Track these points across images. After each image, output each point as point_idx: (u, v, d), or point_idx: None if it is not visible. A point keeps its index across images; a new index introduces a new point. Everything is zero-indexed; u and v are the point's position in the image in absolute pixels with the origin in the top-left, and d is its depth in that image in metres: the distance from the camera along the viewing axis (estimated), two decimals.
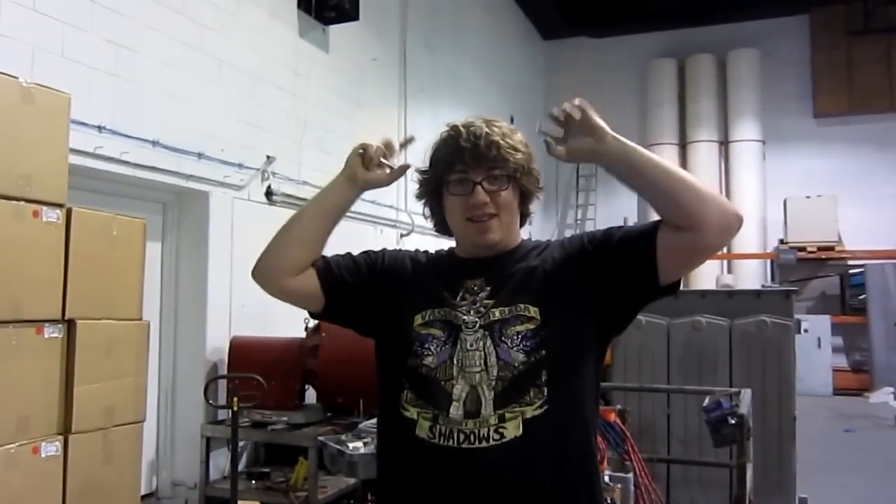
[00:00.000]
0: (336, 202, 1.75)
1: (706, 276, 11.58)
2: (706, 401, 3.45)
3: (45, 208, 2.82)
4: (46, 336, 2.81)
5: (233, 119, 5.54)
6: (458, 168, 1.62)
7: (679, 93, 12.64)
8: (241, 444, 5.06)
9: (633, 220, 12.61)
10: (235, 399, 4.26)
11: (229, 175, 5.43)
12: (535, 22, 12.84)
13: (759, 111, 12.18)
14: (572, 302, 1.59)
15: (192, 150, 5.08)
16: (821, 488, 5.07)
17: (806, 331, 6.66)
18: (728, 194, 12.14)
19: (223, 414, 4.97)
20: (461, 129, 1.63)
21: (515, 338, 1.55)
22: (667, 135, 12.50)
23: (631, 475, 3.13)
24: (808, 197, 11.49)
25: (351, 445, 3.75)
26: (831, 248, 11.45)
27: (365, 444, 3.77)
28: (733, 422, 3.32)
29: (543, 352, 1.54)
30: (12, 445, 2.64)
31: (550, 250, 1.67)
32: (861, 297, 11.12)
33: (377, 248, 1.85)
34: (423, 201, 1.75)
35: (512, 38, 12.03)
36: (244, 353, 5.11)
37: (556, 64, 13.43)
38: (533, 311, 1.57)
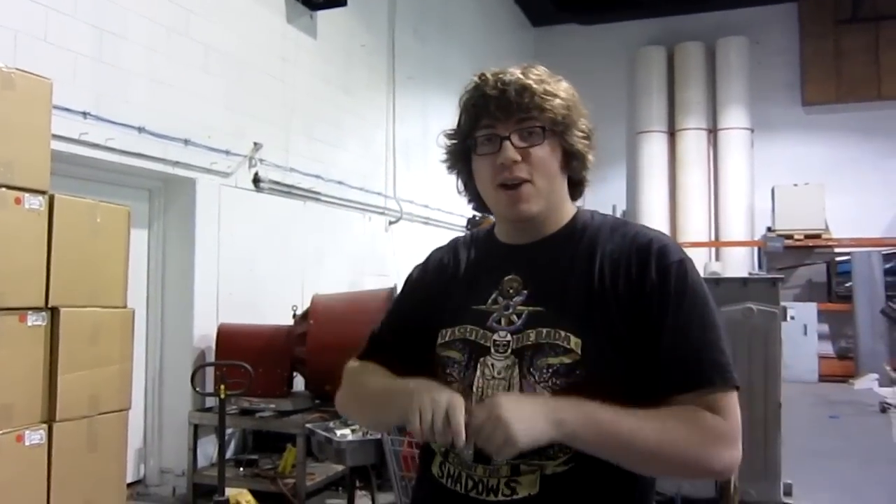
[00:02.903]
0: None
1: (694, 262, 11.62)
2: None
3: (27, 195, 2.79)
4: (30, 324, 2.79)
5: (219, 105, 5.49)
6: (485, 122, 1.32)
7: (668, 80, 12.63)
8: (228, 431, 5.06)
9: (622, 208, 12.65)
10: (223, 387, 4.25)
11: (216, 162, 5.39)
12: (524, 9, 12.79)
13: (747, 99, 12.20)
14: (616, 341, 1.26)
15: (178, 136, 5.04)
16: (806, 474, 5.11)
17: (792, 318, 6.68)
18: (716, 182, 12.19)
19: (211, 401, 4.96)
20: (489, 76, 1.34)
21: (545, 371, 1.25)
22: (655, 122, 12.52)
23: None
24: (795, 185, 11.53)
25: (339, 433, 3.75)
26: (818, 236, 11.51)
27: (353, 431, 3.78)
28: None
29: (575, 396, 1.22)
30: None
31: (613, 249, 1.31)
32: (847, 284, 11.19)
33: (413, 270, 1.56)
34: (454, 172, 1.43)
35: (501, 25, 11.99)
36: (232, 341, 5.09)
37: (546, 51, 13.38)
38: (574, 343, 1.25)
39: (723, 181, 12.13)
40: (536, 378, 1.25)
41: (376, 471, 3.88)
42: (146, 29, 4.83)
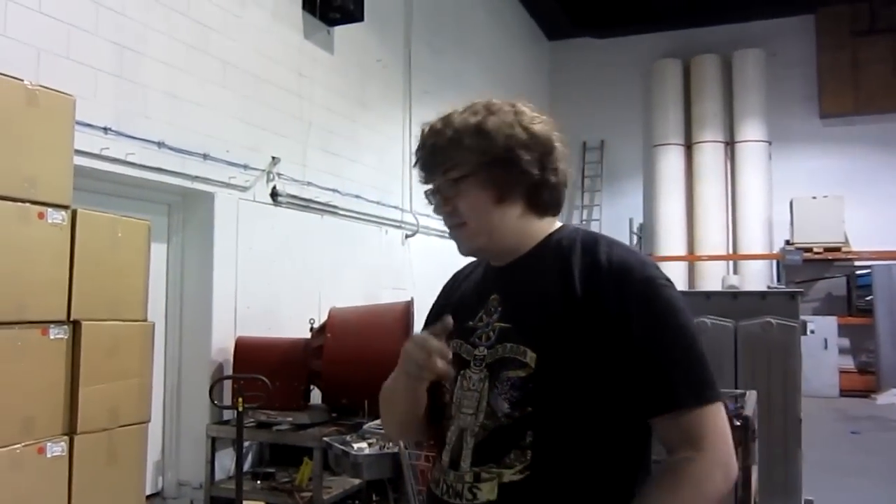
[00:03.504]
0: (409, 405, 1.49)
1: (711, 276, 11.56)
2: None
3: (50, 210, 2.83)
4: (52, 337, 2.82)
5: (237, 120, 5.55)
6: (424, 177, 1.44)
7: (684, 93, 12.61)
8: (246, 444, 5.07)
9: (638, 222, 12.61)
10: (240, 399, 4.27)
11: (234, 176, 5.44)
12: (539, 22, 12.83)
13: (764, 112, 12.15)
14: (572, 356, 1.29)
15: (197, 151, 5.10)
16: (827, 490, 5.05)
17: (812, 332, 6.63)
18: (734, 195, 12.13)
19: (228, 414, 4.98)
20: (423, 130, 1.44)
21: (506, 384, 1.32)
22: (672, 135, 12.48)
23: None
24: (814, 197, 11.45)
25: (356, 446, 3.75)
26: (837, 249, 11.41)
27: (369, 444, 3.78)
28: (738, 423, 3.32)
29: (529, 408, 1.30)
30: (18, 446, 2.65)
31: (582, 269, 1.33)
32: (868, 298, 11.07)
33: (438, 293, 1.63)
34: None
35: (516, 39, 12.03)
36: (249, 354, 5.11)
37: (561, 64, 13.42)
38: (530, 358, 1.31)
39: (740, 194, 12.07)
40: (499, 390, 1.32)
41: (393, 485, 3.87)
42: (165, 45, 4.90)
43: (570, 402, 1.28)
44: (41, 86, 2.89)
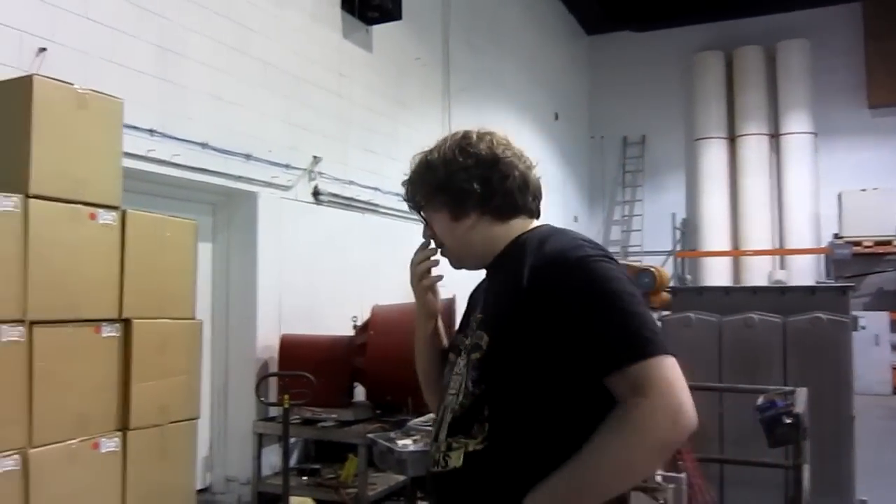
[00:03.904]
0: (426, 344, 1.82)
1: (757, 272, 11.36)
2: (760, 400, 3.38)
3: (100, 211, 2.89)
4: (104, 335, 2.88)
5: (279, 120, 5.61)
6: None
7: (727, 86, 12.40)
8: (291, 440, 5.12)
9: (681, 217, 12.45)
10: (286, 396, 4.31)
11: (277, 175, 5.50)
12: (577, 17, 12.72)
13: (810, 103, 11.89)
14: (518, 339, 1.45)
15: (240, 151, 5.16)
16: (882, 490, 4.93)
17: (863, 328, 6.46)
18: (779, 188, 11.90)
19: (274, 411, 5.04)
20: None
21: (471, 365, 1.52)
22: (714, 129, 12.29)
23: (684, 475, 3.08)
24: (863, 190, 11.17)
25: (400, 443, 3.77)
26: (888, 243, 11.12)
27: (414, 441, 3.79)
28: (789, 421, 3.25)
29: (484, 386, 1.48)
30: (73, 441, 2.71)
31: (533, 260, 1.48)
32: None
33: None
34: None
35: (554, 35, 11.94)
36: (294, 351, 5.17)
37: (600, 59, 13.29)
38: (485, 342, 1.51)
39: (786, 187, 11.83)
40: (469, 372, 1.52)
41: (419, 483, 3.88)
42: (208, 48, 4.97)
43: (516, 378, 1.44)
44: (91, 89, 2.94)
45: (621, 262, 7.93)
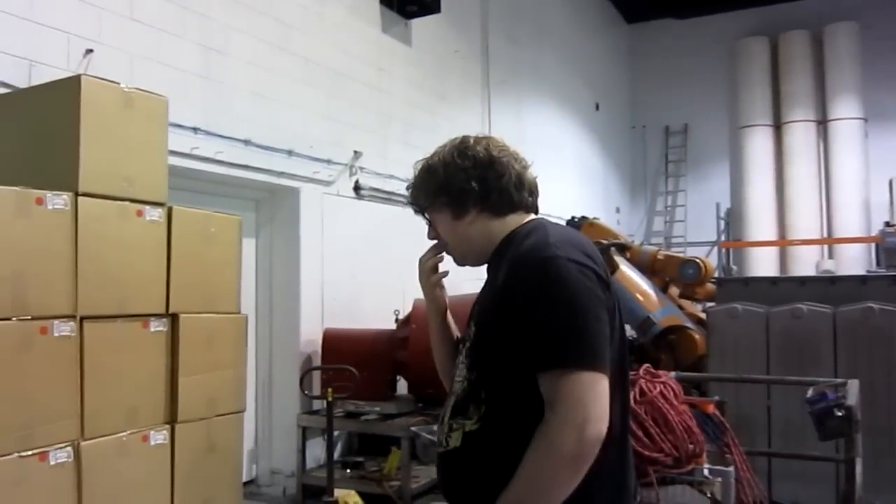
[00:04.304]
0: (439, 338, 1.94)
1: (804, 262, 11.10)
2: (809, 392, 3.31)
3: (147, 207, 2.94)
4: (152, 330, 2.93)
5: (320, 116, 5.65)
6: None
7: (771, 72, 12.10)
8: (335, 433, 5.17)
9: (725, 207, 12.23)
10: (329, 390, 4.35)
11: (318, 171, 5.54)
12: (617, 5, 12.55)
13: (859, 88, 11.55)
14: (498, 331, 1.56)
15: (282, 147, 5.21)
16: None
17: None
18: (827, 176, 11.60)
19: (318, 404, 5.09)
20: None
21: (466, 354, 1.67)
22: (759, 116, 12.01)
23: (731, 468, 3.03)
24: None
25: None
26: None
27: None
28: (840, 414, 3.18)
29: (475, 372, 1.61)
30: (124, 434, 2.77)
31: (510, 258, 1.60)
32: None
33: None
34: None
35: (594, 24, 11.81)
36: (337, 345, 5.21)
37: (641, 48, 13.09)
38: (473, 332, 1.67)
39: (835, 174, 11.52)
40: (466, 359, 1.66)
41: None
42: (249, 46, 5.02)
43: (498, 365, 1.56)
44: (136, 88, 3.00)
45: (664, 253, 7.82)
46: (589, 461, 1.40)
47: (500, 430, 1.55)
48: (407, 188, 1.80)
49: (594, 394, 1.42)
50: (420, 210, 1.78)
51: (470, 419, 1.59)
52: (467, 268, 1.82)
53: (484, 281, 1.74)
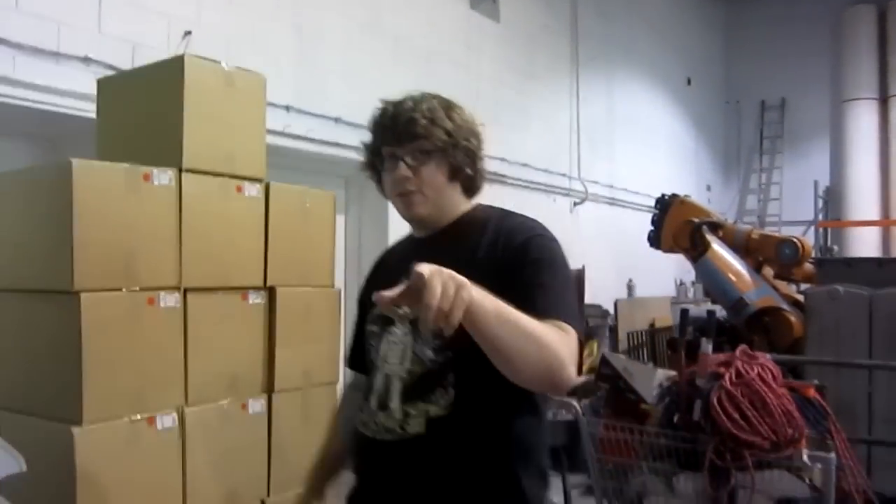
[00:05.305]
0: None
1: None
2: None
3: (246, 184, 3.02)
4: (251, 302, 3.02)
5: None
6: (386, 146, 1.68)
7: (879, 43, 11.47)
8: None
9: (823, 184, 11.71)
10: None
11: None
12: None
13: None
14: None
15: None
16: None
17: None
18: None
19: None
20: (386, 107, 1.72)
21: (428, 334, 1.55)
22: (864, 89, 11.41)
23: (833, 455, 2.92)
24: None
25: None
26: None
27: None
28: None
29: (449, 353, 1.54)
30: (225, 402, 2.88)
31: (485, 243, 1.61)
32: None
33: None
34: (368, 174, 1.82)
35: None
36: None
37: (737, 20, 12.61)
38: None
39: None
40: (423, 341, 1.56)
41: (567, 452, 3.86)
42: (341, 26, 5.09)
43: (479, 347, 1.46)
44: (236, 66, 3.08)
45: (759, 232, 7.55)
46: (553, 383, 1.43)
47: (474, 416, 1.54)
48: (400, 112, 1.67)
49: (578, 356, 1.47)
50: (412, 142, 1.63)
51: (434, 404, 1.55)
52: None
53: (404, 255, 1.69)
